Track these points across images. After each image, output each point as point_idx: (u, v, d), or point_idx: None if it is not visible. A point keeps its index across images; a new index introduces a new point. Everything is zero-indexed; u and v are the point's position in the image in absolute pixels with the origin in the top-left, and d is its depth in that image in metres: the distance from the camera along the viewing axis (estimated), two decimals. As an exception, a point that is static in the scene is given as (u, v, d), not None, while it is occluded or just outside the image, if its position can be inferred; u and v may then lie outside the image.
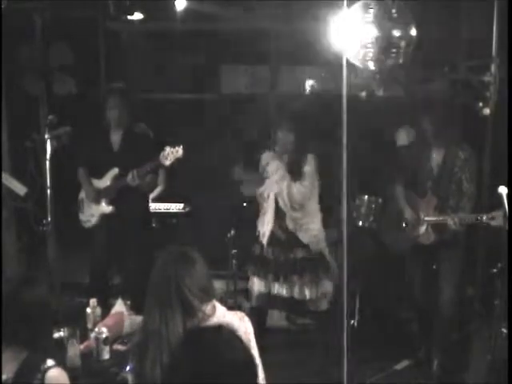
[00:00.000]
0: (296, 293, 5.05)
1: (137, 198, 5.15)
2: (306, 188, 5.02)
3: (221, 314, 2.76)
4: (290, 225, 5.05)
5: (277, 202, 5.04)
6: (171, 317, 2.64)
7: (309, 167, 5.04)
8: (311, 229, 5.07)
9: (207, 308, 2.72)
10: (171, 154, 4.79)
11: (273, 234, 5.06)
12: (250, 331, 2.79)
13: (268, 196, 5.07)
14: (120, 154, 5.17)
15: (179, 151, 4.80)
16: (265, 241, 5.07)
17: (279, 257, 5.06)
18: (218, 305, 2.80)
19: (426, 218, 4.61)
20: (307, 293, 5.04)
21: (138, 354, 2.69)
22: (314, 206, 5.12)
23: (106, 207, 5.18)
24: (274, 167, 5.09)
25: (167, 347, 2.59)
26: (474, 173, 4.65)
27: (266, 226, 5.07)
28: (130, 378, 2.74)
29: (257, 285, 5.11)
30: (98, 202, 5.19)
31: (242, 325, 2.77)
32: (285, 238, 5.07)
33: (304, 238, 5.05)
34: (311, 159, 5.06)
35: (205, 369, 1.80)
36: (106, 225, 5.22)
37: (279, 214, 5.05)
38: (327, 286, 5.11)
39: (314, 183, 5.08)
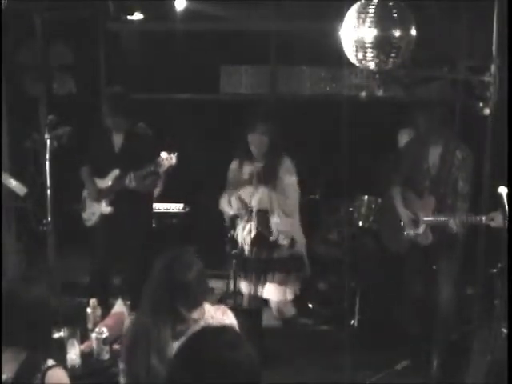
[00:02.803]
0: (268, 294, 4.99)
1: (136, 199, 5.15)
2: (285, 192, 4.90)
3: (208, 316, 2.81)
4: (270, 228, 4.92)
5: (257, 208, 4.90)
6: (162, 321, 2.70)
7: (286, 171, 4.93)
8: (290, 231, 4.97)
9: (196, 313, 2.76)
10: (165, 161, 4.83)
11: (255, 238, 4.96)
12: (234, 324, 2.81)
13: (244, 202, 4.95)
14: (121, 155, 5.19)
15: (173, 158, 4.84)
16: (247, 244, 4.97)
17: (259, 257, 4.97)
18: (206, 306, 2.84)
19: (425, 219, 4.60)
20: (280, 294, 4.98)
21: (127, 356, 2.72)
22: (293, 208, 4.99)
23: (105, 207, 5.20)
24: (247, 173, 4.99)
25: (156, 350, 2.65)
26: (470, 173, 4.64)
27: (246, 233, 4.97)
28: (120, 378, 2.77)
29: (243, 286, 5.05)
30: (99, 201, 5.22)
31: (226, 319, 2.83)
32: (265, 240, 4.95)
33: (283, 239, 4.95)
34: (287, 162, 4.95)
35: (209, 370, 1.79)
36: (106, 224, 5.23)
37: (259, 219, 4.91)
38: (297, 290, 5.06)
39: (294, 187, 4.96)
